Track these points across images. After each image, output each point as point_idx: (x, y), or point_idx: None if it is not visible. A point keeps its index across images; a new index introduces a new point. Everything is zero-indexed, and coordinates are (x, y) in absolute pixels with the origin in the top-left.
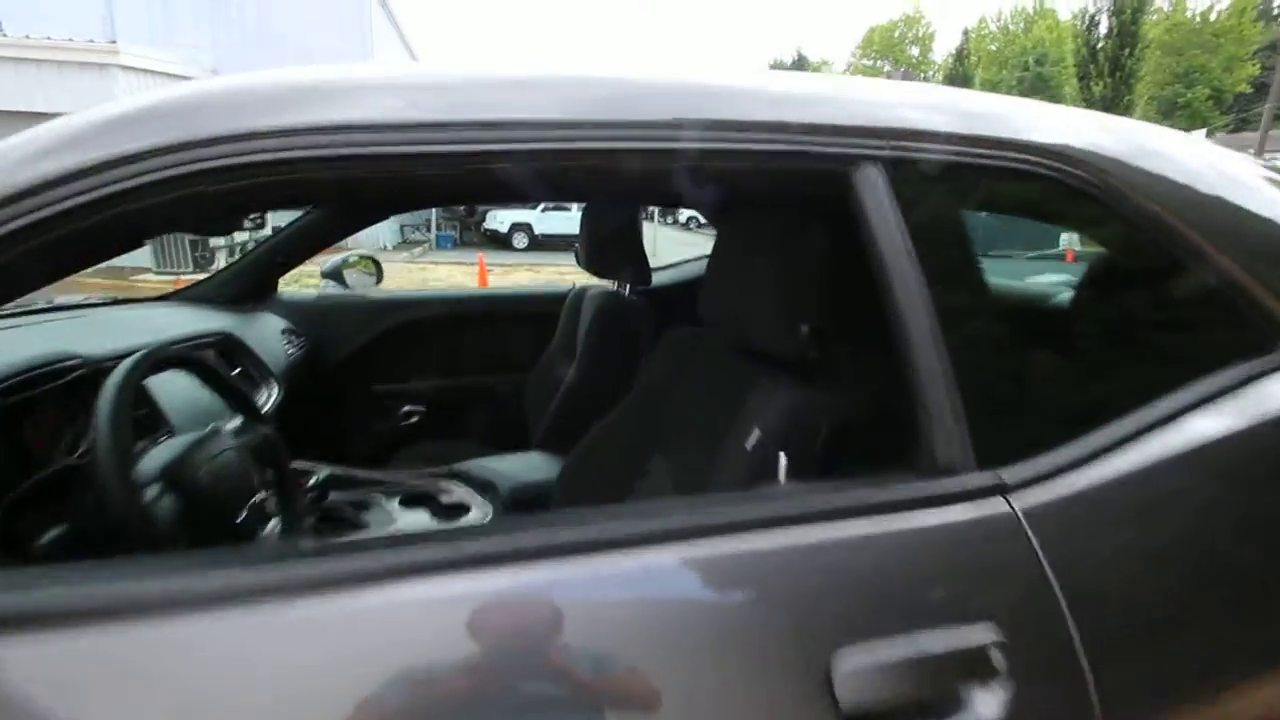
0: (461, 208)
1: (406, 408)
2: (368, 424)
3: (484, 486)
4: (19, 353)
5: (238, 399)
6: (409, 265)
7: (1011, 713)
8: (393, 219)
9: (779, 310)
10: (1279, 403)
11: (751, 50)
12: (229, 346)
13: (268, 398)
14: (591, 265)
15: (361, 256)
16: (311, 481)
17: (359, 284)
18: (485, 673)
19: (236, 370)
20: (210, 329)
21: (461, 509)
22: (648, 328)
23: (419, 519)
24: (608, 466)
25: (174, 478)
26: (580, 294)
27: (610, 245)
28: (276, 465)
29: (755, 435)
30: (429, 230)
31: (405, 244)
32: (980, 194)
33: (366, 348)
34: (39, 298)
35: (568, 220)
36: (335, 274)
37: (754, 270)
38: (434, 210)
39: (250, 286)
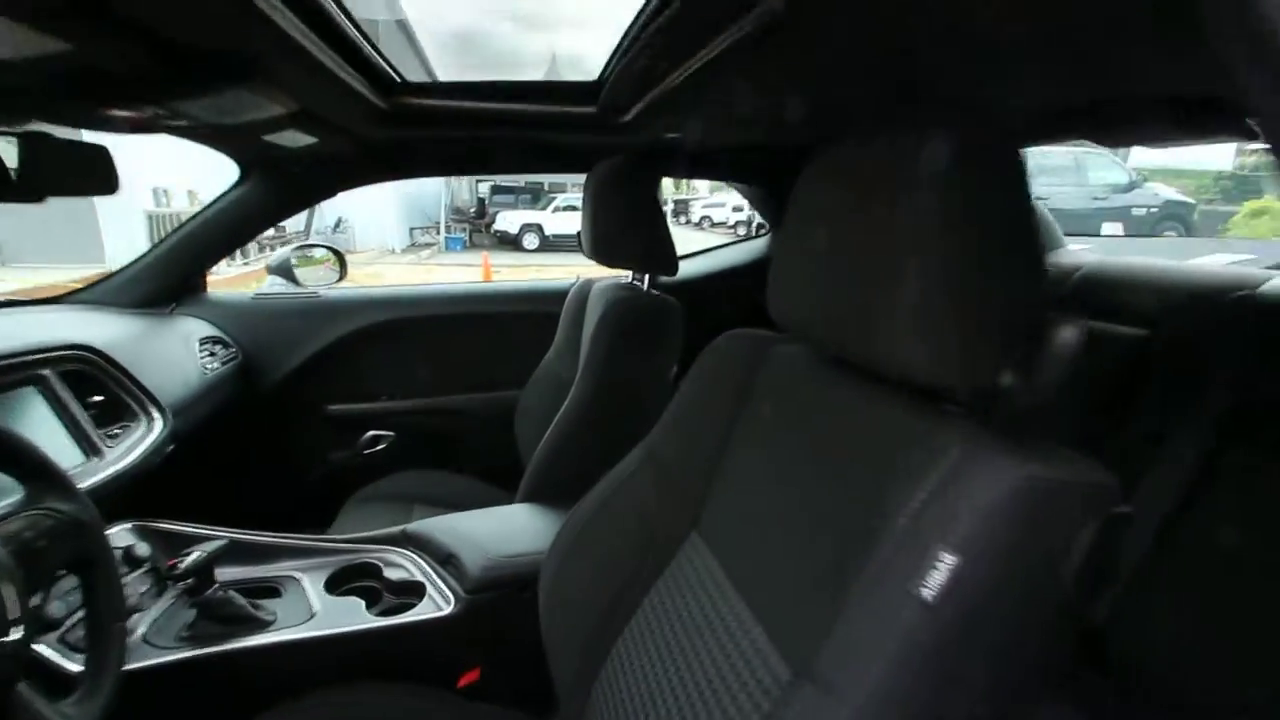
0: (472, 210)
1: (370, 433)
2: (316, 455)
3: (445, 558)
4: None
5: (19, 458)
6: (414, 267)
7: None
8: (401, 221)
9: (997, 306)
10: None
11: None
12: (84, 365)
13: (144, 435)
14: (599, 250)
15: (318, 246)
16: (189, 560)
17: (316, 280)
18: None
19: (97, 399)
20: (64, 339)
21: (409, 592)
22: (674, 331)
23: (344, 610)
24: (621, 551)
25: None
26: (585, 288)
27: (624, 222)
28: (81, 554)
29: (944, 568)
30: (438, 232)
31: (414, 247)
32: None
33: (319, 358)
34: None
35: (580, 221)
36: (283, 269)
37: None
38: (442, 211)
39: (165, 284)
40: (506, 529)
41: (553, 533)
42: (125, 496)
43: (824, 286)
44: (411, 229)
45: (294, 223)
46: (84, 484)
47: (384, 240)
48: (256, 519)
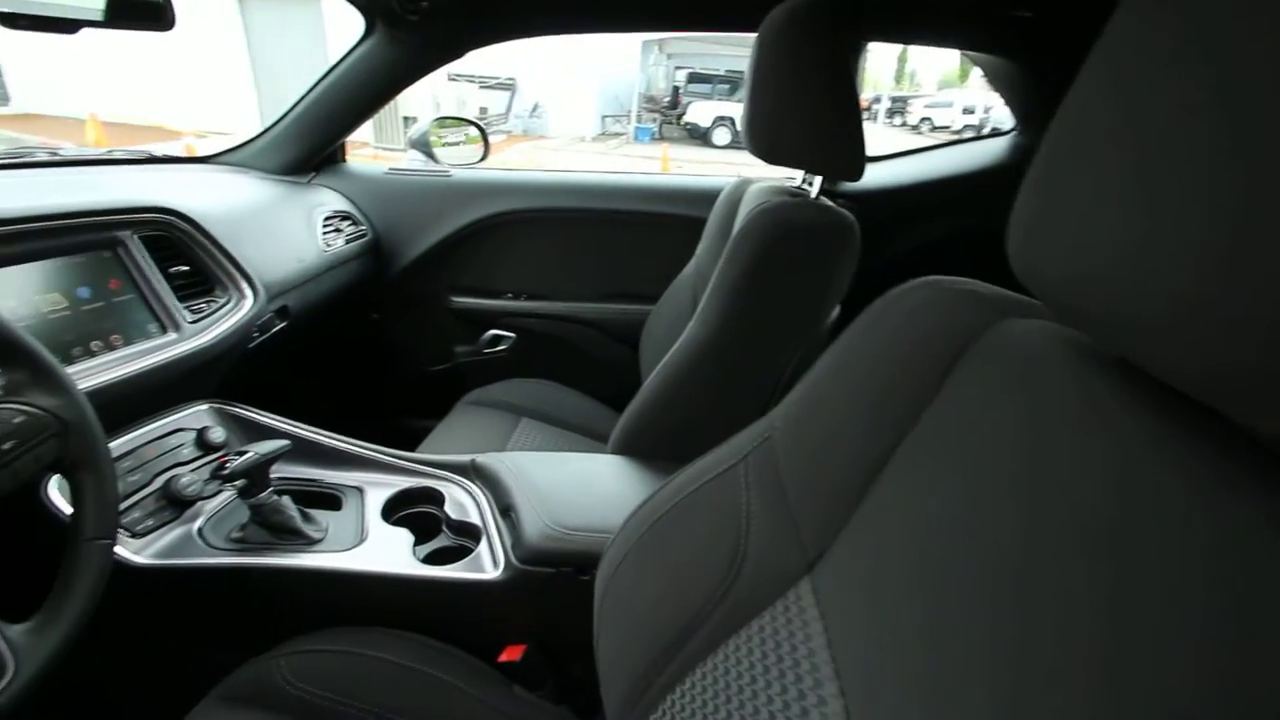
0: (665, 100)
1: (492, 332)
2: (435, 348)
3: (505, 509)
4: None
5: None
6: (599, 156)
7: None
8: (596, 109)
9: None
10: None
11: None
12: (167, 230)
13: (231, 311)
14: (757, 135)
15: (463, 121)
16: (239, 461)
17: (457, 159)
18: None
19: (181, 268)
20: (147, 200)
21: (465, 533)
22: (842, 259)
23: (393, 543)
24: (705, 569)
25: None
26: (740, 189)
27: (796, 97)
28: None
29: None
30: (630, 122)
31: (604, 135)
32: None
33: (447, 244)
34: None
35: None
36: (422, 144)
37: None
38: (635, 99)
39: (302, 151)
40: (580, 490)
41: (638, 502)
42: (210, 375)
43: (1137, 239)
44: (604, 116)
45: (496, 104)
46: (156, 359)
47: (577, 127)
48: (367, 406)
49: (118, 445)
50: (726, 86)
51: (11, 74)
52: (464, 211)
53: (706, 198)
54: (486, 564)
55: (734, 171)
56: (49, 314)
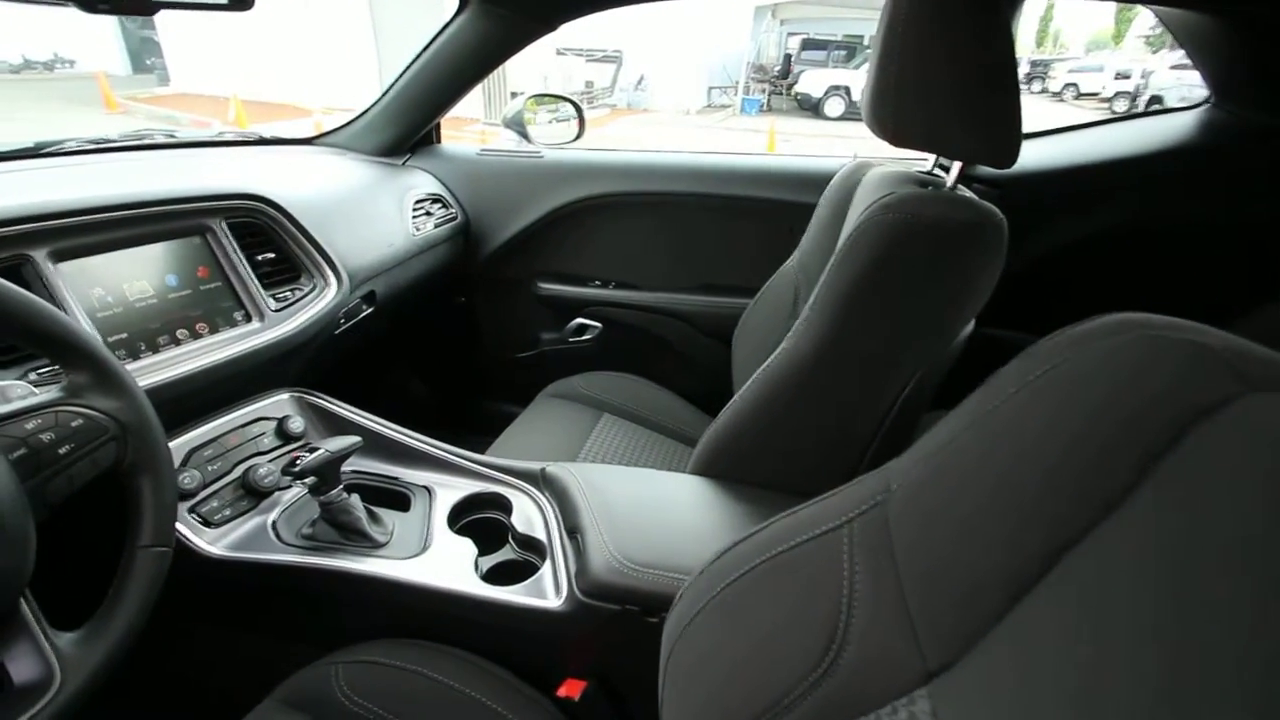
0: (776, 68)
1: (578, 320)
2: (519, 335)
3: (572, 529)
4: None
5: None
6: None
7: None
8: (702, 81)
9: None
10: None
11: None
12: (255, 217)
13: (315, 299)
14: (881, 111)
15: (559, 98)
16: (309, 459)
17: (552, 137)
18: None
19: (267, 255)
20: (235, 187)
21: (530, 548)
22: (985, 264)
23: (456, 555)
24: (792, 648)
25: None
26: (857, 173)
27: (935, 63)
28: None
29: None
30: (737, 93)
31: (709, 108)
32: None
33: (536, 228)
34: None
35: None
36: (516, 123)
37: None
38: (743, 69)
39: (397, 133)
40: (653, 518)
41: (716, 541)
42: (293, 362)
43: None
44: (710, 88)
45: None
46: (241, 348)
47: (682, 100)
48: (451, 391)
49: (200, 434)
50: (843, 52)
51: (172, 57)
52: (555, 194)
53: (816, 182)
54: (549, 589)
55: (847, 147)
56: (136, 302)
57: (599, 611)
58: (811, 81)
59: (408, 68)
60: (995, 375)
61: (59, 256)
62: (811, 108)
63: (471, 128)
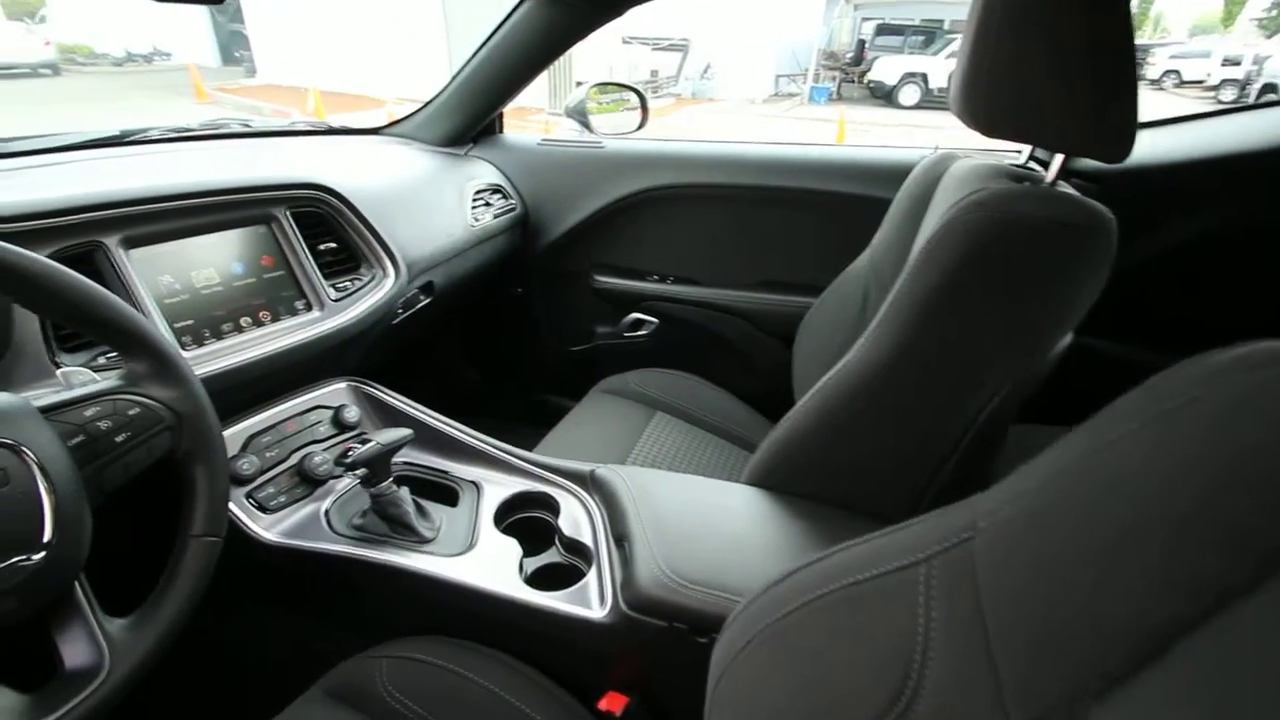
0: (848, 55)
1: (634, 315)
2: (574, 328)
3: (619, 536)
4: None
5: (113, 327)
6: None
7: None
8: (770, 69)
9: None
10: None
11: None
12: (318, 206)
13: (373, 289)
14: (973, 96)
15: (623, 87)
16: (360, 451)
17: (613, 127)
18: None
19: (329, 245)
20: (298, 177)
21: (576, 552)
22: (1090, 270)
23: (501, 555)
24: (858, 692)
25: None
26: (940, 166)
27: (1036, 42)
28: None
29: None
30: (806, 81)
31: (776, 96)
32: None
33: (594, 220)
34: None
35: None
36: (578, 112)
37: None
38: (813, 56)
39: (460, 122)
40: (705, 530)
41: (771, 561)
42: (351, 351)
43: None
44: (778, 76)
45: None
46: (301, 337)
47: (748, 88)
48: (504, 381)
49: (259, 420)
50: (920, 38)
51: (258, 50)
52: (614, 185)
53: (891, 175)
54: (593, 597)
55: (923, 137)
56: (202, 290)
57: (644, 626)
58: (885, 68)
59: (472, 57)
60: (1110, 408)
61: (130, 243)
62: (884, 96)
63: (536, 117)
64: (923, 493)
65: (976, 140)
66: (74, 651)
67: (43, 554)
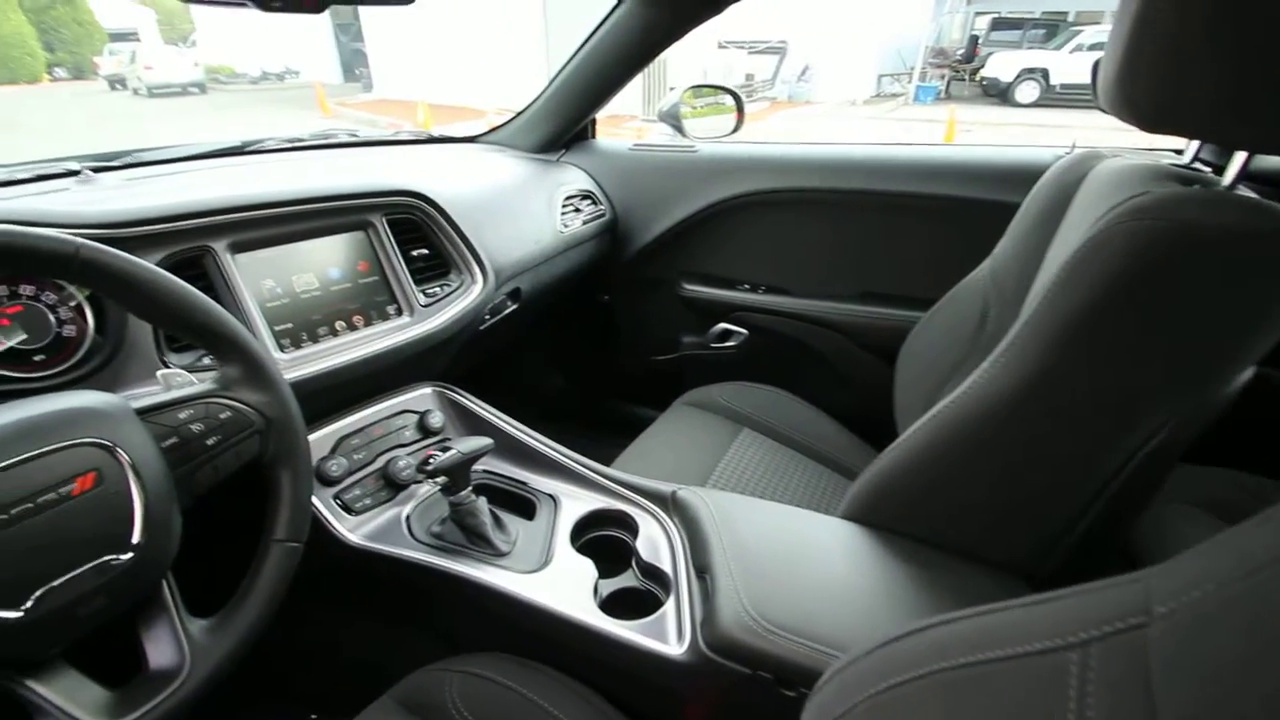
0: (959, 52)
1: (722, 326)
2: (660, 337)
3: (701, 568)
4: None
5: (211, 331)
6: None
7: None
8: (872, 69)
9: None
10: None
11: None
12: (413, 213)
13: (461, 296)
14: (1142, 95)
15: (719, 89)
16: (441, 459)
17: (708, 131)
18: None
19: (421, 251)
20: (396, 184)
21: (653, 578)
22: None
23: (576, 575)
24: None
25: None
26: (1082, 166)
27: (1234, 36)
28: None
29: None
30: (910, 80)
31: (878, 97)
32: None
33: (685, 226)
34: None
35: None
36: (672, 115)
37: None
38: (920, 53)
39: (553, 128)
40: (795, 568)
41: (874, 613)
42: (439, 357)
43: None
44: (880, 76)
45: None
46: (392, 341)
47: (848, 89)
48: (588, 389)
49: (350, 423)
50: (1041, 31)
51: (375, 67)
52: (706, 191)
53: (1015, 177)
54: (670, 631)
55: (1046, 137)
56: (301, 294)
57: (725, 670)
58: (1001, 64)
59: (566, 64)
60: None
61: (237, 248)
62: (999, 94)
63: (629, 124)
64: (1054, 544)
65: (1115, 140)
66: (158, 651)
67: (131, 554)
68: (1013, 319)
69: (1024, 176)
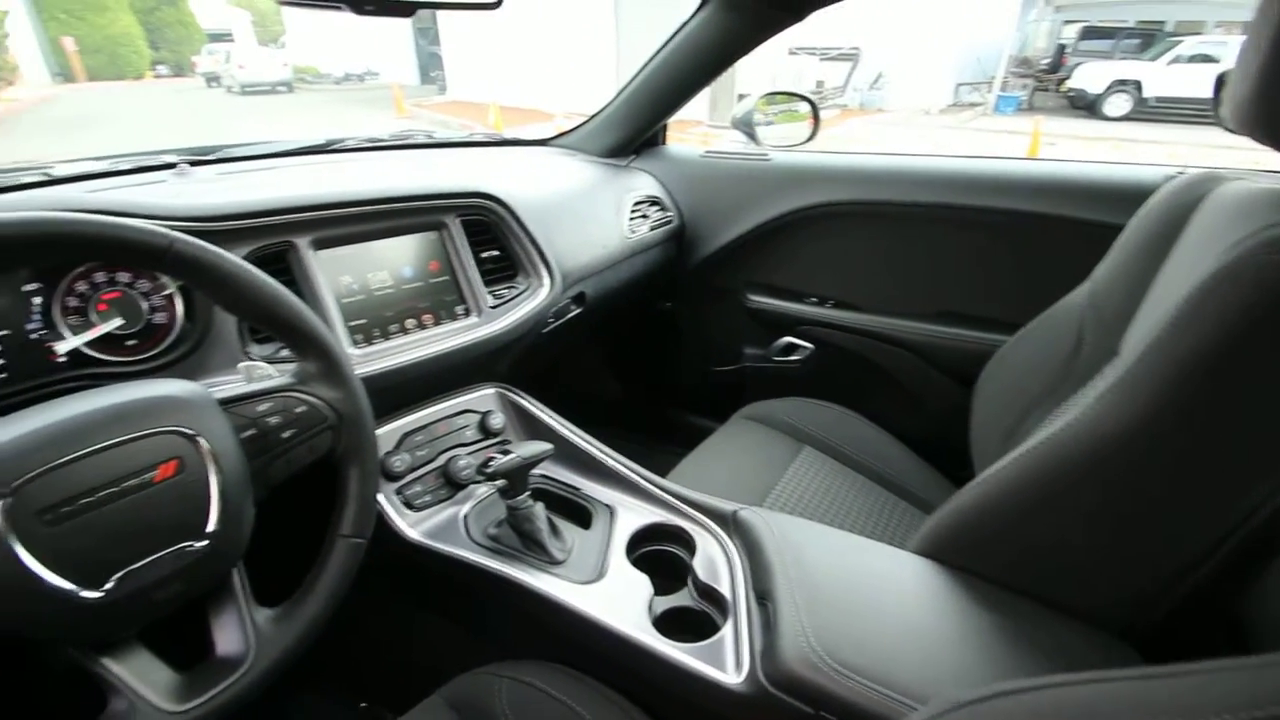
0: (1044, 61)
1: (787, 339)
2: (722, 347)
3: (761, 594)
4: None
5: (291, 328)
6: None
7: None
8: (949, 77)
9: None
10: None
11: None
12: (485, 215)
13: (528, 298)
14: (1270, 114)
15: (793, 96)
16: (501, 462)
17: (781, 139)
18: None
19: (491, 252)
20: (468, 186)
21: (710, 599)
22: None
23: (630, 590)
24: None
25: None
26: (1196, 190)
27: None
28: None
29: None
30: (990, 90)
31: (955, 106)
32: None
33: (754, 235)
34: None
35: (1208, 78)
36: (745, 123)
37: None
38: (1002, 62)
39: (624, 134)
40: (864, 603)
41: (953, 663)
42: (503, 358)
43: None
44: (958, 85)
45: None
46: (459, 341)
47: (923, 98)
48: (648, 396)
49: (414, 419)
50: (1136, 41)
51: (450, 69)
52: (777, 200)
53: (1115, 195)
54: (728, 657)
55: (1131, 151)
56: (376, 291)
57: (784, 707)
58: (1090, 75)
59: (640, 70)
60: None
61: (319, 245)
62: (1086, 106)
63: (695, 130)
64: (1157, 600)
65: (1217, 159)
66: (225, 638)
67: (206, 542)
68: (1111, 349)
69: (1124, 195)
